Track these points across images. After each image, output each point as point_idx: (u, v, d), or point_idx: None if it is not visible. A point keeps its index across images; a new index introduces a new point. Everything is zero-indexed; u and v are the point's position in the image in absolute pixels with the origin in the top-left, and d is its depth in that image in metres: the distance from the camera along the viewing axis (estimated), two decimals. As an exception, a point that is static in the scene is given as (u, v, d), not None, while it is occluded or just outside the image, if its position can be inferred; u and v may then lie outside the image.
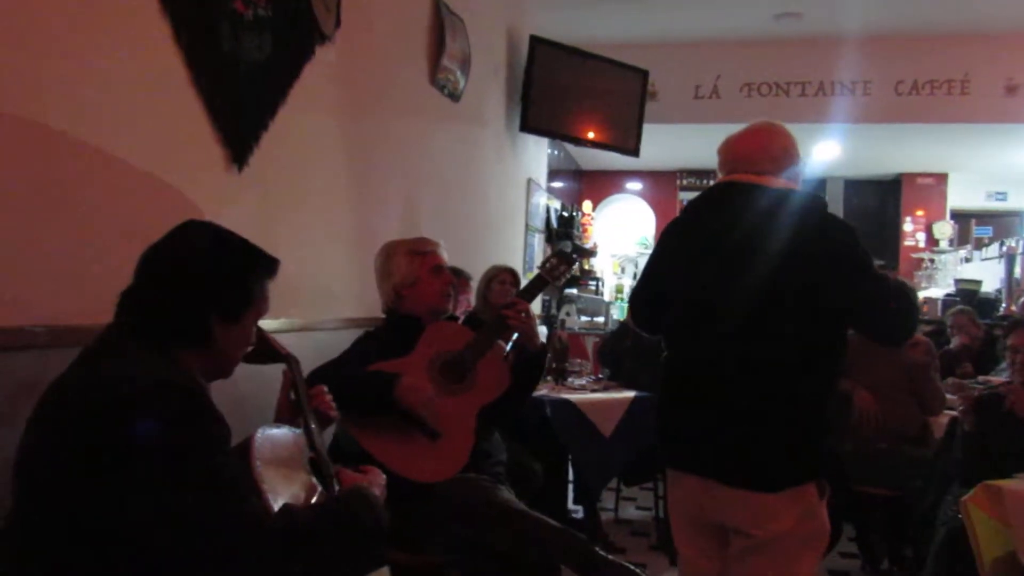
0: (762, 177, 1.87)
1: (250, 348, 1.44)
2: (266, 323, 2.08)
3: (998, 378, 3.76)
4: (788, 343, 1.75)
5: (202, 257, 1.32)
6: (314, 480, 1.43)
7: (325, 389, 1.75)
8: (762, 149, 1.91)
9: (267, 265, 1.40)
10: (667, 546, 3.69)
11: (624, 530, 4.23)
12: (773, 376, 1.76)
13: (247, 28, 2.12)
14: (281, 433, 1.43)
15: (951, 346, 4.71)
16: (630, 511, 4.65)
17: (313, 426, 1.56)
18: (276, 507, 1.21)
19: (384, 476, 1.53)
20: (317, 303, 2.69)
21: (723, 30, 6.53)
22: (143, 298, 1.28)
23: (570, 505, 4.05)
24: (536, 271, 2.70)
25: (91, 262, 1.64)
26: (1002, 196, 9.60)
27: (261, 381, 1.82)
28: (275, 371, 1.72)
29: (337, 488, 1.44)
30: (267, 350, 1.66)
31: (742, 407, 1.78)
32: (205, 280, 1.31)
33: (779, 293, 1.76)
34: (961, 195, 9.33)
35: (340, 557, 1.20)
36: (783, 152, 1.91)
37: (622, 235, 10.03)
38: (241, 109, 2.13)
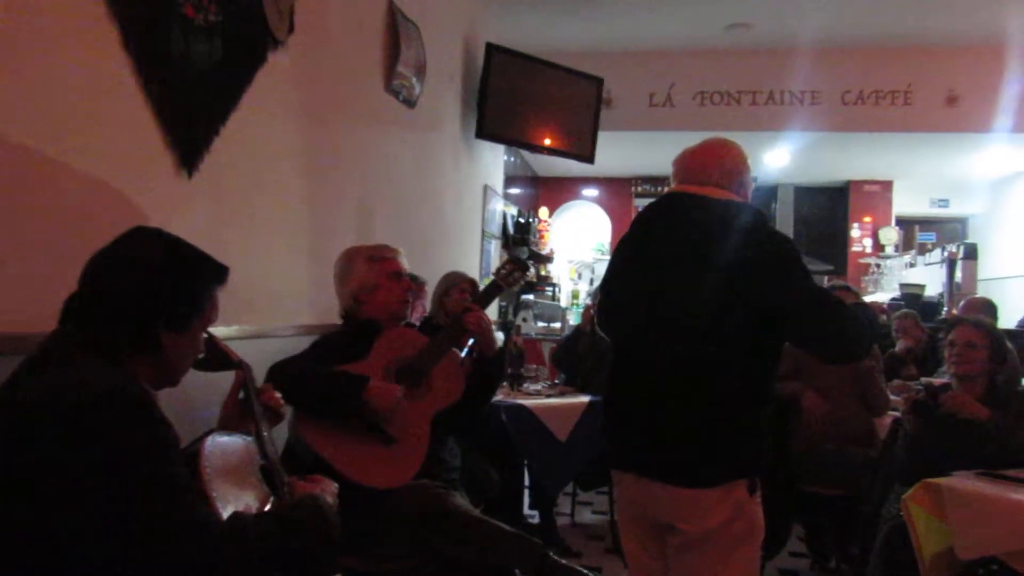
0: (705, 188, 1.93)
1: (200, 356, 1.43)
2: (218, 330, 2.06)
3: (940, 379, 3.88)
4: (716, 347, 1.81)
5: (150, 265, 1.30)
6: (266, 488, 1.42)
7: (272, 387, 1.74)
8: (710, 162, 1.97)
9: (216, 272, 1.39)
10: (622, 549, 3.72)
11: (580, 534, 4.26)
12: (702, 378, 1.82)
13: (197, 33, 2.10)
14: (231, 441, 1.42)
15: (896, 349, 4.84)
16: (586, 515, 4.69)
17: (265, 433, 1.56)
18: (226, 515, 1.20)
19: (336, 485, 1.53)
20: (270, 310, 2.67)
21: (676, 40, 6.64)
22: (89, 306, 1.26)
23: (526, 510, 4.07)
24: (491, 277, 2.72)
25: (33, 268, 1.61)
26: (944, 203, 9.91)
27: (212, 388, 1.80)
28: (226, 379, 1.71)
29: (289, 497, 1.43)
30: (218, 357, 1.65)
31: (673, 408, 1.84)
32: (153, 289, 1.29)
33: (710, 299, 1.82)
34: (905, 202, 9.61)
35: (291, 566, 1.20)
36: (731, 165, 1.97)
37: (578, 241, 10.11)
38: (191, 114, 2.11)
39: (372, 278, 2.52)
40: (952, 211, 10.02)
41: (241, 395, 1.65)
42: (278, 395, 1.73)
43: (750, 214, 1.89)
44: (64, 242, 1.63)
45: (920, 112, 6.81)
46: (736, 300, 1.80)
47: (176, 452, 1.18)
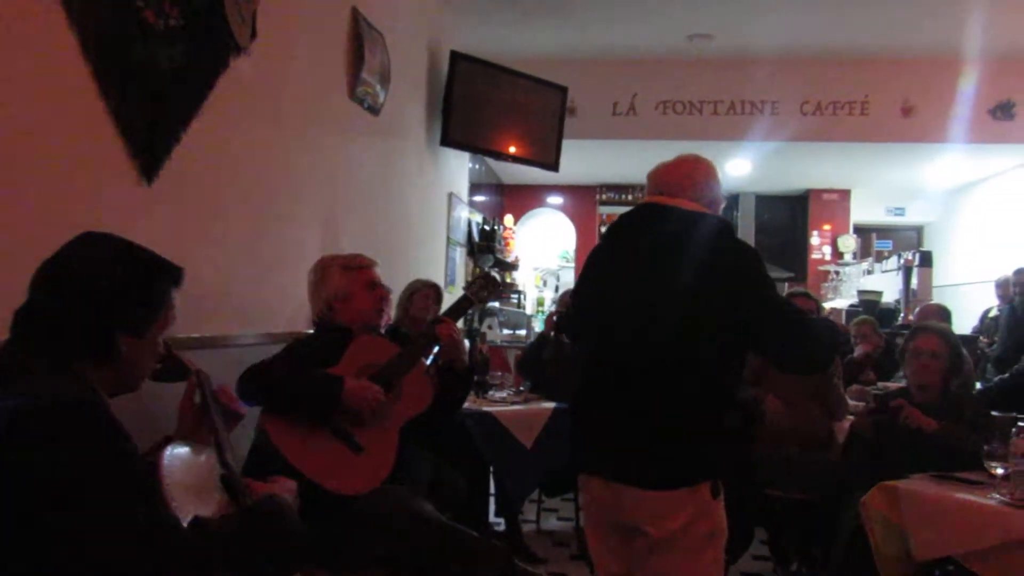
0: (675, 199, 1.98)
1: (158, 362, 1.41)
2: (178, 339, 2.04)
3: (896, 384, 3.96)
4: (681, 353, 1.85)
5: (103, 270, 1.28)
6: (226, 498, 1.41)
7: (229, 388, 1.73)
8: (681, 176, 2.03)
9: (171, 275, 1.37)
10: (588, 555, 3.73)
11: (546, 541, 4.26)
12: (667, 383, 1.85)
13: (158, 39, 2.08)
14: (190, 451, 1.41)
15: (855, 355, 4.94)
16: (551, 522, 4.70)
17: (224, 442, 1.54)
18: (186, 524, 1.19)
19: (295, 483, 1.52)
20: (232, 318, 2.65)
21: (639, 49, 6.71)
22: (41, 315, 1.24)
23: (492, 517, 4.07)
24: (462, 290, 2.74)
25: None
26: (900, 211, 10.14)
27: (171, 398, 1.78)
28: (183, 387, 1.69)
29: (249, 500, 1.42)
30: (175, 367, 1.62)
31: (638, 411, 1.87)
32: (107, 294, 1.27)
33: (675, 306, 1.85)
34: (863, 210, 9.81)
35: (254, 566, 1.19)
36: (701, 179, 2.03)
37: (543, 248, 10.15)
38: (152, 121, 2.08)
39: (347, 287, 2.53)
40: (908, 219, 10.25)
41: (197, 398, 1.63)
42: (234, 395, 1.71)
43: (716, 225, 1.93)
44: (19, 251, 1.60)
45: (876, 122, 6.96)
46: (701, 308, 1.83)
47: (133, 461, 1.16)
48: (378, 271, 2.61)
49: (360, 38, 3.79)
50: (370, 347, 2.49)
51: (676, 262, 1.87)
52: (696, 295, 1.83)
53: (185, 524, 1.19)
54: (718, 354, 1.86)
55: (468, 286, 2.71)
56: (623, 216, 2.10)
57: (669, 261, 1.89)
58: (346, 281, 2.52)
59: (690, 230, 1.90)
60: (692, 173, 2.03)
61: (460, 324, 5.50)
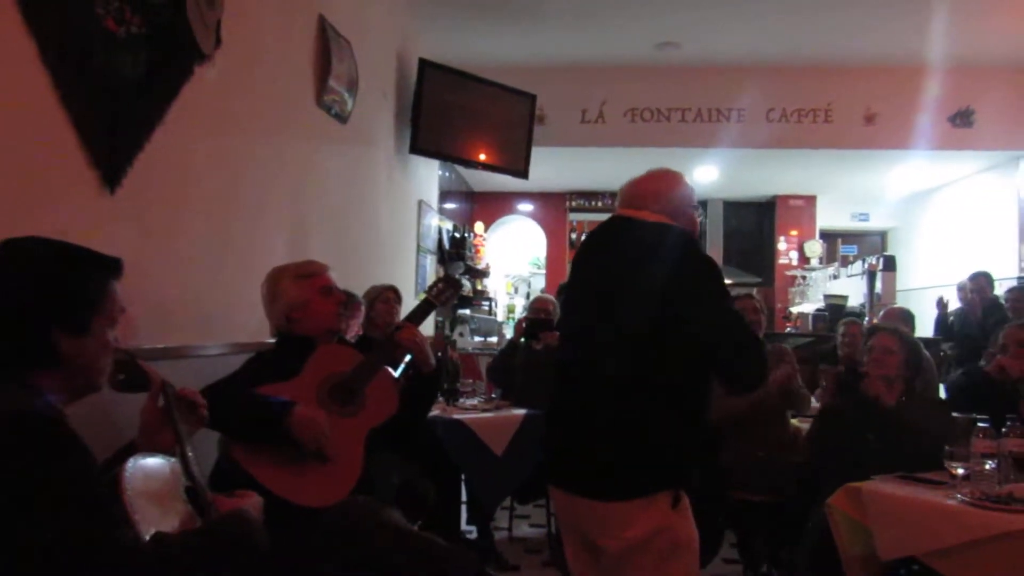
0: (640, 212, 2.01)
1: (122, 372, 1.39)
2: (143, 350, 2.02)
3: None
4: (632, 362, 1.85)
5: (28, 270, 1.25)
6: (191, 510, 1.39)
7: (194, 391, 1.71)
8: (648, 189, 2.06)
9: (105, 265, 1.33)
10: (559, 562, 3.74)
11: (518, 548, 4.26)
12: (625, 392, 1.85)
13: (120, 46, 2.06)
14: (154, 463, 1.39)
15: (840, 354, 4.95)
16: (524, 529, 4.70)
17: (190, 454, 1.52)
18: (148, 538, 1.17)
19: (261, 498, 1.51)
20: (198, 328, 2.62)
21: (608, 57, 6.76)
22: None
23: (464, 525, 4.06)
24: (423, 294, 2.73)
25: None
26: (864, 217, 10.32)
27: (135, 409, 1.76)
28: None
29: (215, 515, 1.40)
30: (139, 378, 1.60)
31: (596, 421, 1.87)
32: (34, 293, 1.23)
33: (637, 315, 1.86)
34: (829, 216, 9.96)
35: None
36: (666, 191, 2.05)
37: (514, 255, 10.16)
38: (113, 129, 2.06)
39: (302, 295, 2.48)
40: (872, 224, 10.43)
41: (160, 402, 1.60)
42: (200, 401, 1.68)
43: (676, 236, 1.94)
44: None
45: (840, 130, 7.07)
46: (655, 319, 1.84)
47: (93, 473, 1.14)
48: (332, 275, 2.56)
49: (327, 45, 3.78)
50: (333, 356, 2.46)
51: (638, 273, 1.89)
52: (657, 305, 1.84)
53: (147, 538, 1.17)
54: (679, 366, 1.86)
55: (429, 289, 2.69)
56: (594, 229, 2.15)
57: (632, 272, 1.91)
58: (300, 290, 2.47)
59: (650, 241, 1.93)
60: (657, 185, 2.06)
61: (430, 331, 5.46)
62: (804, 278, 9.43)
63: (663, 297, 1.84)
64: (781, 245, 9.78)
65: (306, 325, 2.48)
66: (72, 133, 1.91)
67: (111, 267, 1.33)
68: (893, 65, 6.75)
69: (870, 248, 10.22)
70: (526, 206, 9.92)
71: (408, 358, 2.61)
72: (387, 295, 3.83)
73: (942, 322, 6.66)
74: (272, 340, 2.61)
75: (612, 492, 1.82)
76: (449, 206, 7.83)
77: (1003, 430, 2.40)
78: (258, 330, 2.83)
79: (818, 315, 7.36)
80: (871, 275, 7.71)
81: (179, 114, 2.37)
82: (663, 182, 2.07)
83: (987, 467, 2.29)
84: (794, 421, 3.85)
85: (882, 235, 10.64)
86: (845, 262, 9.26)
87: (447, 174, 7.50)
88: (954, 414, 2.66)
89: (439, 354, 4.27)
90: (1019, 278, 6.87)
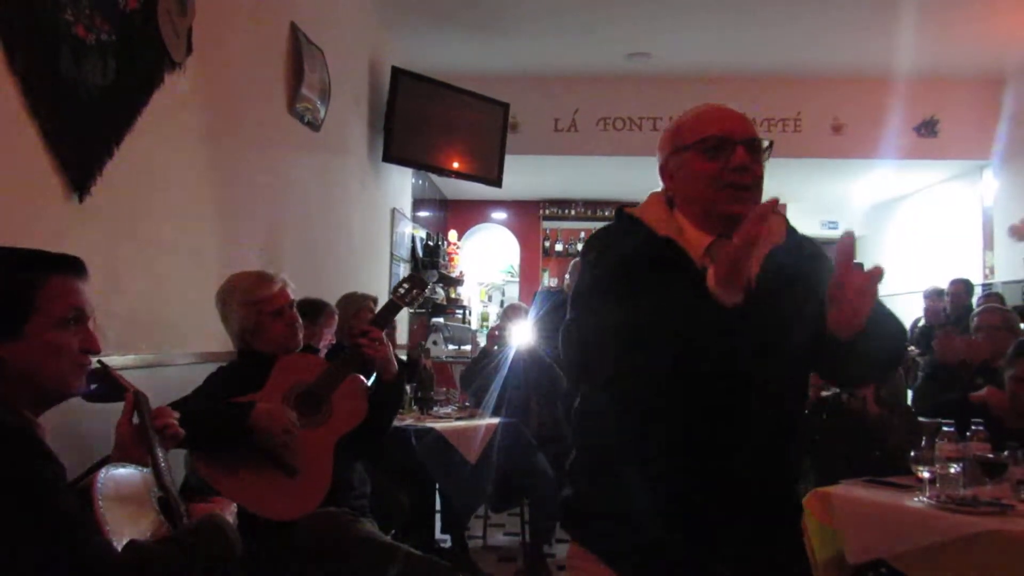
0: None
1: (93, 382, 1.37)
2: (113, 359, 1.99)
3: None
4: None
5: None
6: (163, 519, 1.38)
7: (169, 410, 1.69)
8: None
9: (35, 261, 1.28)
10: (533, 570, 3.75)
11: (492, 556, 4.25)
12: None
13: (89, 53, 2.04)
14: (126, 473, 1.38)
15: None
16: (498, 537, 4.69)
17: (163, 463, 1.51)
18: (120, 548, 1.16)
19: (235, 504, 1.49)
20: (169, 337, 2.59)
21: (580, 67, 6.80)
22: None
23: (438, 534, 4.04)
24: (389, 297, 2.71)
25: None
26: (834, 224, 10.46)
27: (108, 419, 1.74)
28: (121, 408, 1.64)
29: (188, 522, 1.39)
30: (112, 387, 1.59)
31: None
32: None
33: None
34: (799, 223, 9.67)
35: None
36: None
37: (488, 263, 10.16)
38: (82, 137, 2.04)
39: (251, 319, 2.43)
40: (841, 232, 10.53)
41: (135, 419, 1.59)
42: (174, 418, 1.67)
43: None
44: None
45: (809, 139, 7.18)
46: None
47: (60, 483, 1.13)
48: (283, 287, 2.48)
49: (299, 53, 3.77)
50: (296, 366, 2.43)
51: None
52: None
53: (120, 548, 1.16)
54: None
55: (395, 290, 2.66)
56: None
57: None
58: (249, 314, 2.42)
59: None
60: None
61: (403, 338, 5.43)
62: (775, 285, 9.51)
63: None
64: (753, 253, 9.86)
65: (262, 344, 2.45)
66: (40, 140, 1.89)
67: (56, 265, 1.27)
68: (860, 76, 6.86)
69: (839, 256, 10.35)
70: (500, 214, 9.93)
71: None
72: (370, 305, 3.80)
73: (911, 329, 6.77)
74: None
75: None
76: (423, 214, 7.82)
77: (967, 434, 2.45)
78: (228, 340, 2.80)
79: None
80: (840, 282, 7.80)
81: (149, 121, 2.35)
82: None
83: (952, 471, 2.33)
84: None
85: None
86: (815, 270, 9.36)
87: (420, 182, 7.49)
88: (921, 419, 2.72)
89: (413, 357, 4.27)
90: (983, 285, 7.00)
